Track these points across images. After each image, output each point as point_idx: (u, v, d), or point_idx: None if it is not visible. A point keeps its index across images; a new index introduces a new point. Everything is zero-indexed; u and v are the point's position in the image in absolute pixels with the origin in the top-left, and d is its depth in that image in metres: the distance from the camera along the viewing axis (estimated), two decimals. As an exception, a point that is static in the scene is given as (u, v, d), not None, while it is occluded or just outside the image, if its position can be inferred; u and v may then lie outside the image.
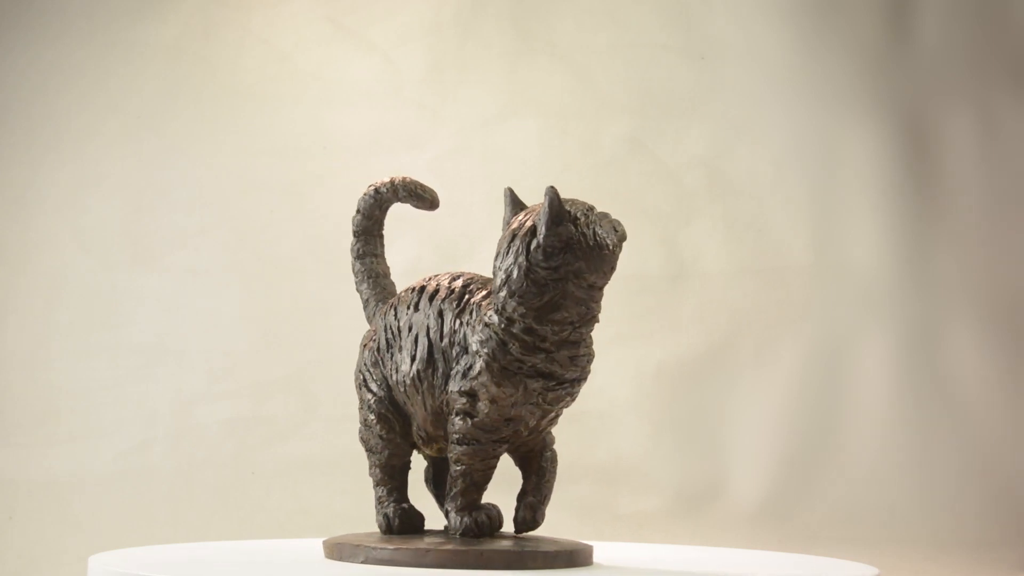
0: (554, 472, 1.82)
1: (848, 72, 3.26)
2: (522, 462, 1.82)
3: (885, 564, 2.82)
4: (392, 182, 1.94)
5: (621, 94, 3.29)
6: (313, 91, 3.30)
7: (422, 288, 1.83)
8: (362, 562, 1.77)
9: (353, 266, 1.97)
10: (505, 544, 1.75)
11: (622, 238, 1.73)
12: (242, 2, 3.33)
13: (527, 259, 1.71)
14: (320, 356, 3.19)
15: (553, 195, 1.70)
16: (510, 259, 1.72)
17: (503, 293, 1.72)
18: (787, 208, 3.24)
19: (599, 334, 3.30)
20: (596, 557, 1.85)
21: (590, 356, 1.76)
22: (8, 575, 2.96)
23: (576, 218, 1.72)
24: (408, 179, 1.96)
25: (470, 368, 1.74)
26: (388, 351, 1.84)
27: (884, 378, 3.16)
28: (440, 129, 3.28)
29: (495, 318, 1.73)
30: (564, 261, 1.70)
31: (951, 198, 3.22)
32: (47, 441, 3.14)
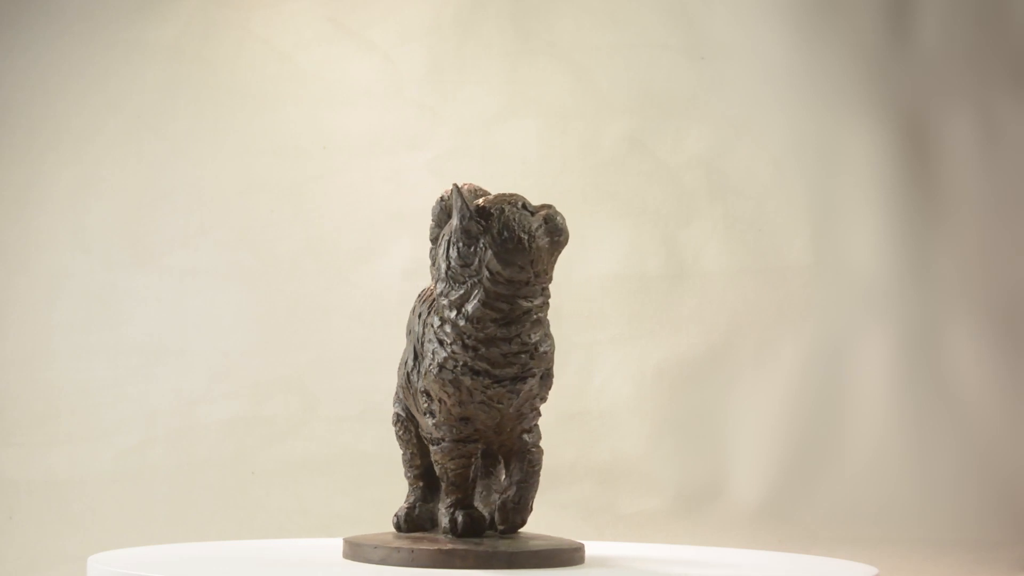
0: (532, 474, 1.79)
1: (848, 72, 3.26)
2: (505, 463, 1.81)
3: (885, 564, 2.82)
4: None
5: (621, 94, 3.29)
6: (313, 91, 3.30)
7: (422, 291, 1.85)
8: (345, 558, 1.79)
9: (431, 272, 1.98)
10: (489, 544, 1.75)
11: (552, 231, 1.71)
12: (242, 2, 3.33)
13: (447, 256, 1.73)
14: (320, 356, 3.19)
15: (455, 192, 1.72)
16: (438, 258, 1.75)
17: (437, 291, 1.74)
18: (787, 208, 3.24)
19: (598, 334, 3.30)
20: (592, 557, 1.85)
21: (535, 352, 1.73)
22: (8, 575, 2.96)
23: (489, 213, 1.72)
24: (469, 186, 1.94)
25: (424, 368, 1.77)
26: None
27: (884, 378, 3.16)
28: (440, 129, 3.28)
29: (435, 317, 1.75)
30: (477, 257, 1.71)
31: (951, 198, 3.22)
32: (47, 441, 3.14)
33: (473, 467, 1.80)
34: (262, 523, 3.05)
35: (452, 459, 1.78)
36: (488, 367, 1.72)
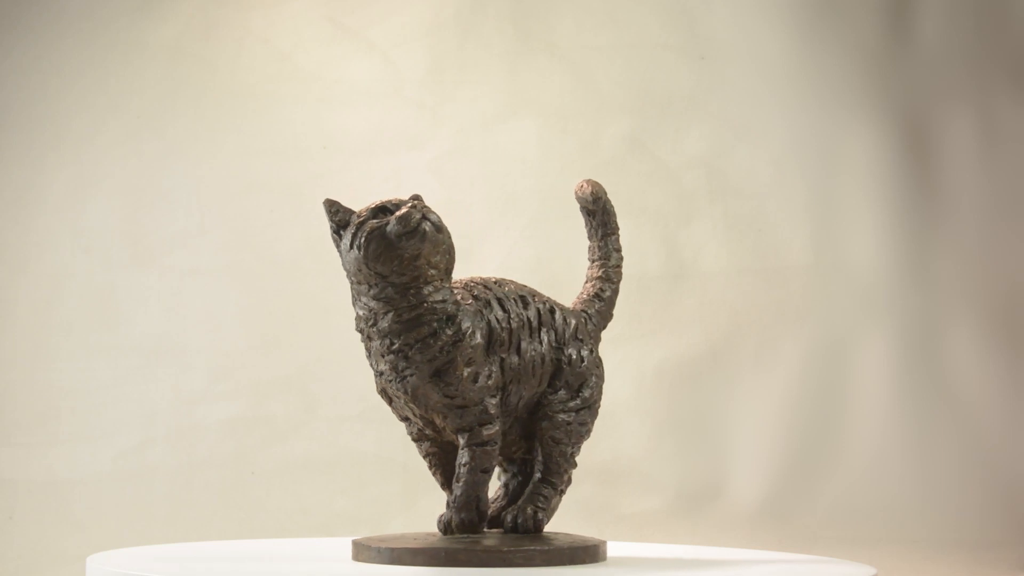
0: (465, 472, 1.78)
1: (848, 72, 3.26)
2: None
3: (885, 564, 2.82)
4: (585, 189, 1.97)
5: (621, 94, 3.29)
6: (313, 91, 3.30)
7: None
8: (354, 559, 1.79)
9: None
10: (493, 543, 1.75)
11: (385, 235, 1.70)
12: (242, 2, 3.33)
13: None
14: (320, 356, 3.19)
15: (323, 206, 1.75)
16: None
17: None
18: (787, 208, 3.24)
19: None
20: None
21: (408, 351, 1.72)
22: (8, 575, 2.96)
23: (347, 222, 1.75)
24: (592, 187, 1.94)
25: None
26: None
27: (884, 378, 3.16)
28: (440, 129, 3.28)
29: None
30: (345, 265, 1.75)
31: (951, 198, 3.22)
32: (47, 441, 3.14)
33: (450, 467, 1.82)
34: (262, 523, 3.05)
35: (423, 458, 1.84)
36: (375, 364, 1.76)
